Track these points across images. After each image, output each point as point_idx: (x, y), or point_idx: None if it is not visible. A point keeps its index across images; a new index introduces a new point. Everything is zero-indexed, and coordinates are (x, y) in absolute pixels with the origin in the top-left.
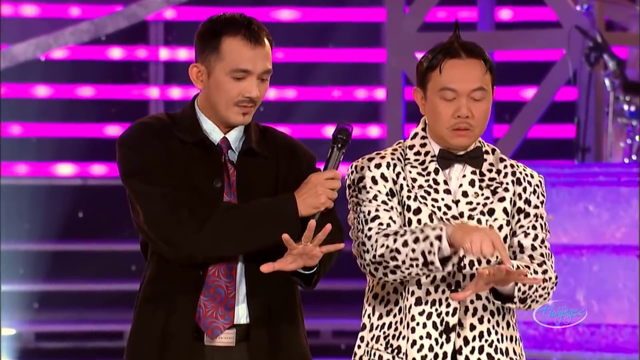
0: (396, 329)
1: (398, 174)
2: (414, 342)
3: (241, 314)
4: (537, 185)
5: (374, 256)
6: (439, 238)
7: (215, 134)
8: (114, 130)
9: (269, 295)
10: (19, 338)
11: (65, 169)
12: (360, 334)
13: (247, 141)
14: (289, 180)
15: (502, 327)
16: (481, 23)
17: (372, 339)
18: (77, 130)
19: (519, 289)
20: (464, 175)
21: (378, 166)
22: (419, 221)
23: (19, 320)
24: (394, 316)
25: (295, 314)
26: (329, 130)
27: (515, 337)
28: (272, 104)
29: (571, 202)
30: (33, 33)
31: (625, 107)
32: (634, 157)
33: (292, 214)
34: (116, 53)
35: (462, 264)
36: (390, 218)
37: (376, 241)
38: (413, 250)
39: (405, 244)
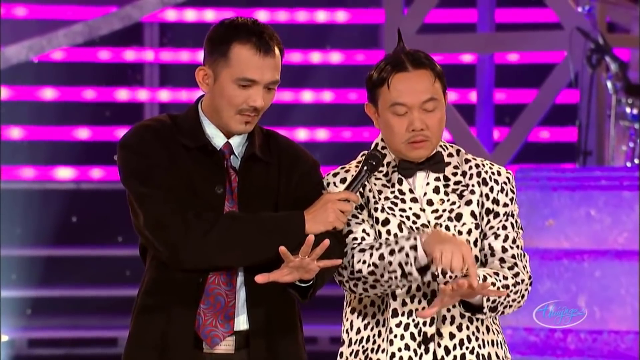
0: (374, 342)
1: (364, 187)
2: (393, 355)
3: (241, 321)
4: (505, 182)
5: (352, 272)
6: (414, 248)
7: (218, 138)
8: (107, 133)
9: (269, 303)
10: (11, 345)
11: (58, 173)
12: (339, 350)
13: (250, 146)
14: (290, 187)
15: (482, 333)
16: (481, 24)
17: (350, 354)
18: (70, 133)
19: (488, 299)
20: (428, 184)
21: (343, 181)
22: (388, 232)
23: (12, 327)
24: (372, 329)
25: (294, 322)
26: (325, 134)
27: (497, 341)
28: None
29: (572, 207)
30: (25, 35)
31: (628, 109)
32: (636, 161)
33: (299, 230)
34: (110, 55)
35: (436, 273)
36: (364, 231)
37: (352, 257)
38: (390, 263)
39: (381, 257)
